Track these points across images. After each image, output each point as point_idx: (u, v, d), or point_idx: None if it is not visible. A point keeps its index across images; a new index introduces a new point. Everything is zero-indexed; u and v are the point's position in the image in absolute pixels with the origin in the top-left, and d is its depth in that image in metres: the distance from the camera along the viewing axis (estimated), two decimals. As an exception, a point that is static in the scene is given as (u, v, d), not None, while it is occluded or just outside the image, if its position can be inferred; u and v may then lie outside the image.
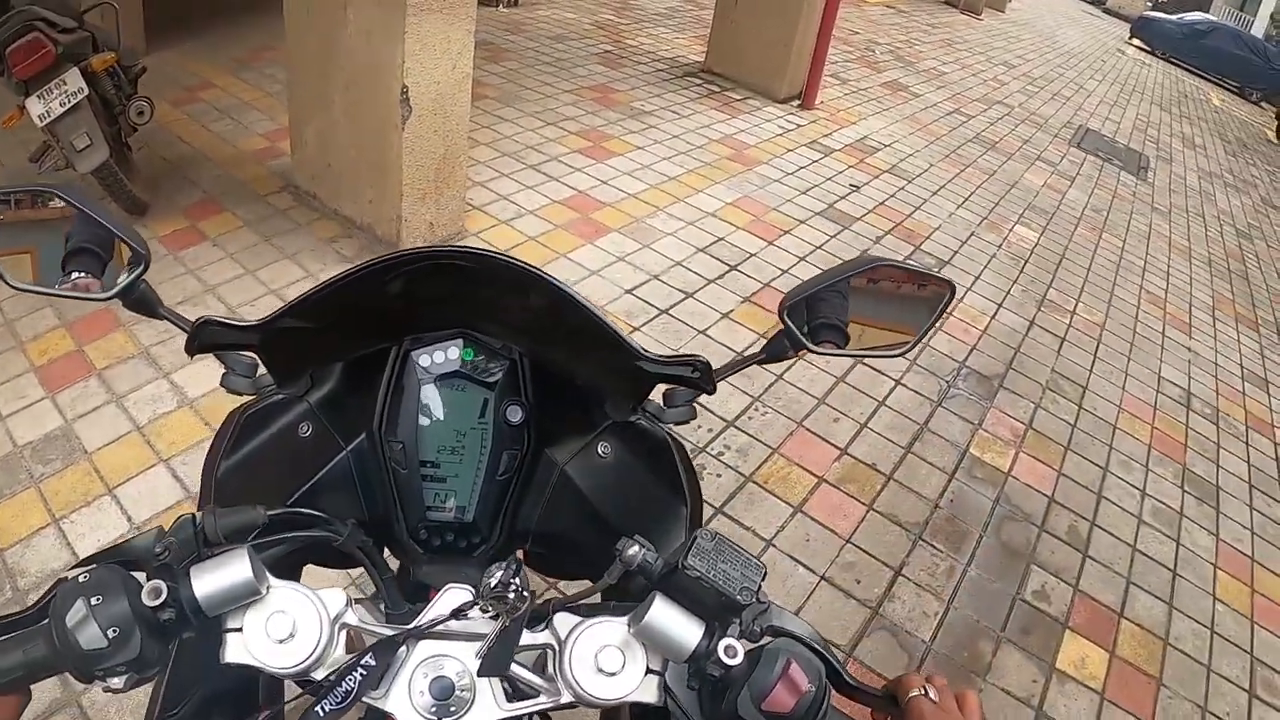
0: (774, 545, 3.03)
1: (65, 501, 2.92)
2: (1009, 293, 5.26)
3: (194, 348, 1.01)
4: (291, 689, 1.08)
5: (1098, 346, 4.98)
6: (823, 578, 2.94)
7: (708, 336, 3.99)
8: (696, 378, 1.04)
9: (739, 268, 4.69)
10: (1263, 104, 20.67)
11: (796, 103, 7.55)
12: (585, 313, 0.98)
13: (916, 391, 4.03)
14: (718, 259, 4.74)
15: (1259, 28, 30.04)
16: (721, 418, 3.52)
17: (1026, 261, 5.77)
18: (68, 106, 4.04)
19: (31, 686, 0.79)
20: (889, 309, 1.10)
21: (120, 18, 4.62)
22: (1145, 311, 5.69)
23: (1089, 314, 5.34)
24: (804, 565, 2.97)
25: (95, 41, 4.36)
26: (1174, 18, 23.15)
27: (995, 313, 4.96)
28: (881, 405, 3.87)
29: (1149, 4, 31.85)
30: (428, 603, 0.89)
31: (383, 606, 1.07)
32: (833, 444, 3.56)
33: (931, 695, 0.85)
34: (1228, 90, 21.12)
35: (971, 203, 6.48)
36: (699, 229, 5.06)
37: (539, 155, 5.63)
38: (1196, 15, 24.10)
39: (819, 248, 5.11)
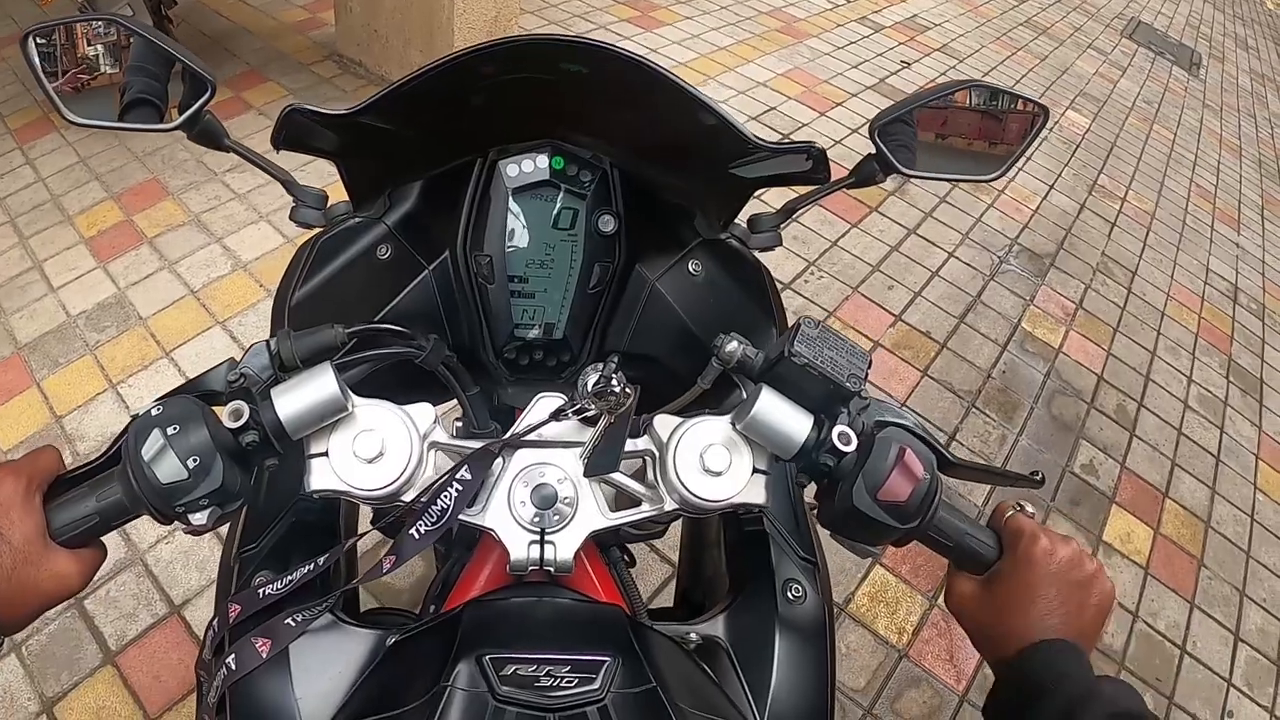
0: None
1: (122, 366, 2.95)
2: (1060, 175, 5.18)
3: (280, 140, 0.93)
4: (365, 522, 1.07)
5: (1147, 234, 4.91)
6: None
7: (763, 201, 3.92)
8: (808, 170, 0.95)
9: (791, 136, 4.62)
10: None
11: (847, -24, 7.33)
12: (691, 100, 0.89)
13: (969, 264, 4.01)
14: (770, 127, 4.69)
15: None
16: (779, 280, 3.50)
17: (1078, 146, 5.67)
18: None
19: (105, 539, 0.76)
20: (979, 132, 1.05)
21: None
22: (1195, 204, 5.60)
23: (1139, 202, 5.26)
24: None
25: None
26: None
27: (1046, 194, 4.89)
28: (935, 275, 3.86)
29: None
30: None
31: (467, 430, 1.07)
32: (887, 310, 3.57)
33: (1029, 509, 0.87)
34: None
35: (1023, 85, 6.30)
36: (750, 98, 5.00)
37: (586, 24, 5.56)
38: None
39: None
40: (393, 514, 0.83)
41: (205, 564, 2.34)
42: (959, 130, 1.04)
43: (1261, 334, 4.51)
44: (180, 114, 0.91)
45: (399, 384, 0.96)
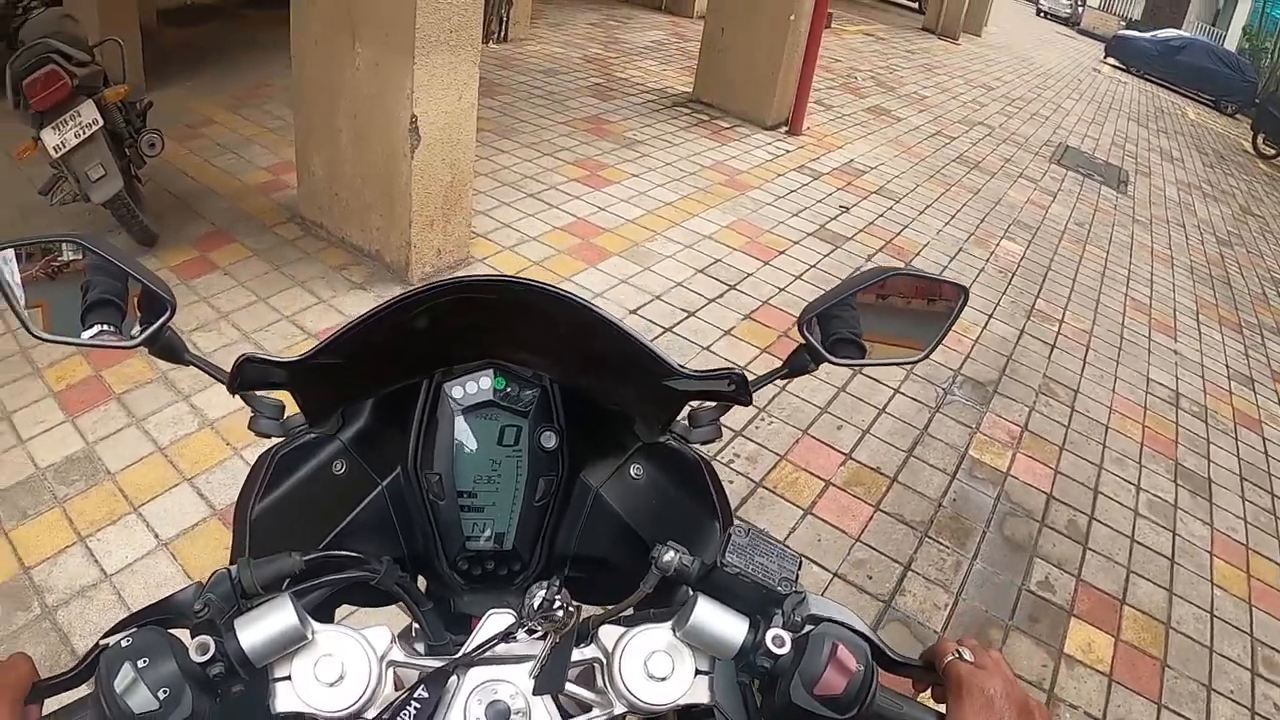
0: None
1: (90, 520, 2.99)
2: (998, 304, 5.42)
3: (235, 387, 1.00)
4: None
5: (1087, 352, 5.12)
6: (835, 574, 3.06)
7: (711, 352, 4.12)
8: (732, 390, 1.01)
9: (738, 287, 4.83)
10: (1238, 115, 20.99)
11: (784, 129, 7.74)
12: (619, 332, 0.98)
13: (914, 399, 4.17)
14: (717, 279, 4.88)
15: (1231, 41, 30.42)
16: (730, 428, 3.64)
17: (1014, 274, 5.93)
18: (83, 138, 4.09)
19: None
20: (903, 317, 1.12)
21: (124, 55, 4.75)
22: (1131, 318, 5.85)
23: (1077, 322, 5.49)
24: (817, 563, 3.10)
25: (106, 76, 4.46)
26: (1148, 35, 23.51)
27: (986, 323, 5.11)
28: (882, 413, 4.00)
29: (1122, 23, 32.27)
30: (469, 634, 0.89)
31: (422, 643, 1.07)
32: (838, 450, 3.69)
33: (966, 656, 0.88)
34: (1203, 104, 21.44)
35: (958, 220, 6.65)
36: (697, 251, 5.21)
37: (538, 184, 5.79)
38: (1170, 32, 24.46)
39: (813, 266, 5.26)
40: None
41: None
42: (883, 316, 1.10)
43: (1206, 435, 4.68)
44: (142, 330, 0.97)
45: (362, 593, 1.03)
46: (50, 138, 4.07)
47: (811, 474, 3.52)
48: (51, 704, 0.80)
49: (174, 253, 4.39)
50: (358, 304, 4.35)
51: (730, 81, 7.77)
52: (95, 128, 4.16)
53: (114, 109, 4.41)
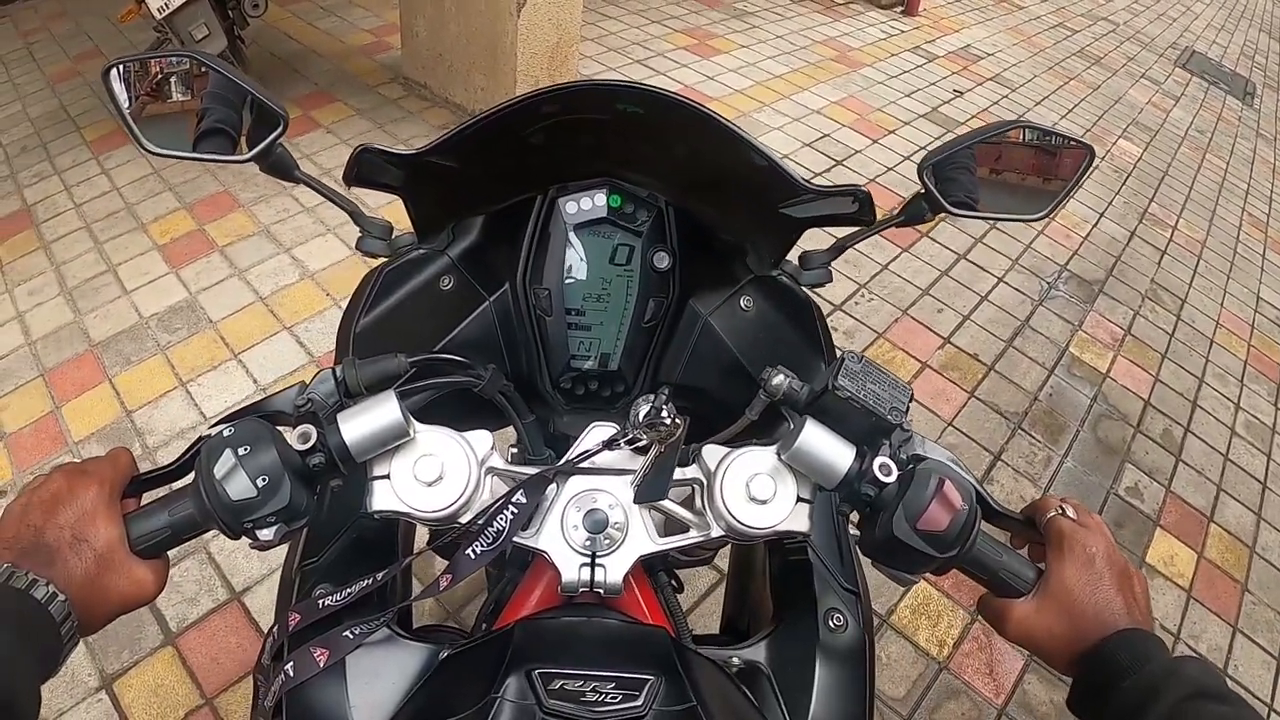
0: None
1: (191, 366, 3.06)
2: (1111, 203, 5.21)
3: (353, 176, 0.98)
4: (421, 542, 1.11)
5: (1198, 262, 4.92)
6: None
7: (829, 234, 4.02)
8: (855, 210, 0.98)
9: (844, 162, 4.73)
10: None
11: (900, 8, 7.46)
12: (746, 145, 0.93)
13: (1018, 290, 4.06)
14: (824, 154, 4.79)
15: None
16: (830, 301, 3.59)
17: (1129, 175, 5.69)
18: None
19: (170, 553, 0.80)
20: (1022, 178, 1.06)
21: None
22: (1247, 234, 5.59)
23: (1190, 230, 5.27)
24: (908, 443, 3.06)
25: None
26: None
27: (1097, 221, 4.93)
28: (984, 300, 3.92)
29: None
30: (566, 453, 0.89)
31: (522, 456, 1.09)
32: (936, 332, 3.64)
33: (1070, 514, 0.87)
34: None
35: (1075, 114, 6.37)
36: (805, 125, 5.10)
37: (645, 51, 5.72)
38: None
39: (923, 147, 5.08)
40: (449, 534, 0.84)
41: (266, 555, 2.43)
42: (1009, 168, 1.06)
43: (1313, 363, 4.52)
44: (252, 146, 0.95)
45: (458, 409, 1.01)
46: None
47: (908, 354, 3.47)
48: (150, 497, 0.81)
49: (277, 112, 4.43)
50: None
51: (848, -46, 7.44)
52: None
53: None
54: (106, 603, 0.74)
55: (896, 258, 3.97)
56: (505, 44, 4.30)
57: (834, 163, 4.70)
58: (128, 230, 3.71)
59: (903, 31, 7.04)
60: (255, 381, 3.01)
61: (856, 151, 4.90)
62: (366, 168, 0.97)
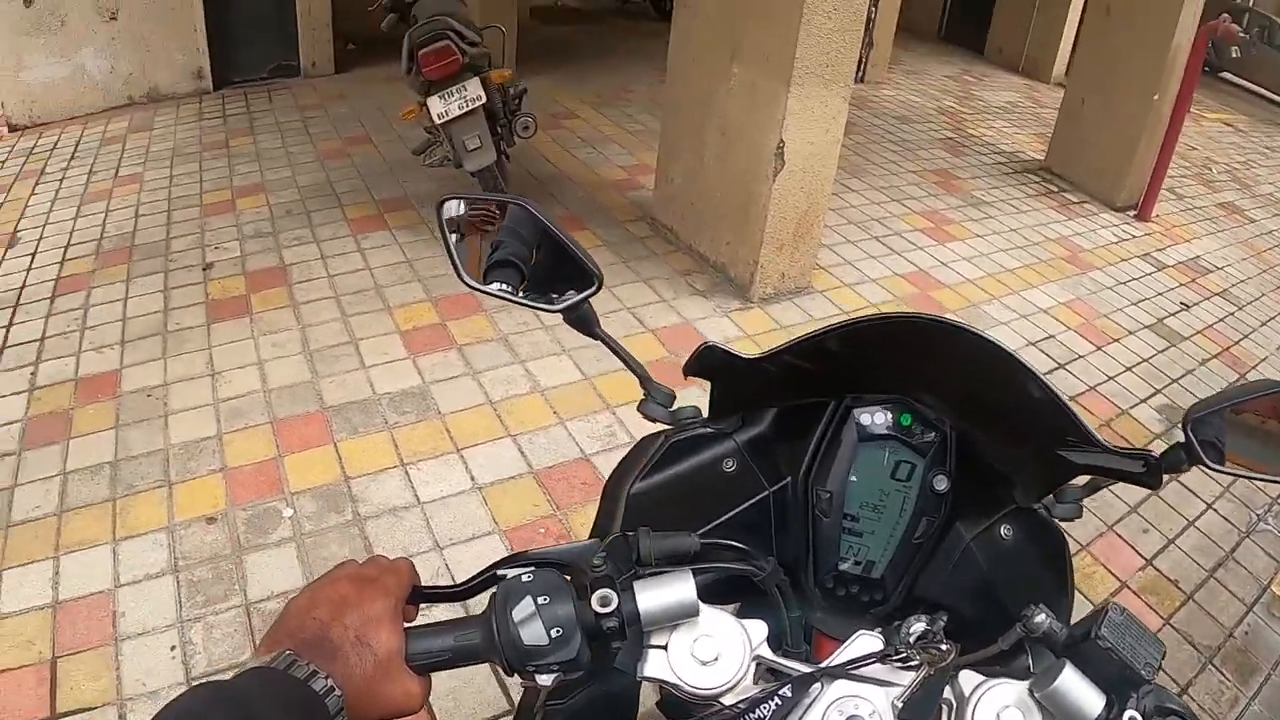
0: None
1: (414, 450, 3.34)
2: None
3: (693, 368, 1.07)
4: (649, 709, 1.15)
5: None
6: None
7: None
8: (1142, 472, 0.99)
9: (1067, 366, 4.88)
10: None
11: (1132, 213, 7.54)
12: (1040, 387, 0.99)
13: (1226, 519, 4.11)
14: (1047, 354, 4.95)
15: None
16: (1037, 508, 3.76)
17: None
18: (465, 110, 4.62)
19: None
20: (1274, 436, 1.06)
21: (505, 42, 5.24)
22: None
23: None
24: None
25: (490, 59, 4.93)
26: None
27: (1315, 454, 4.88)
28: (1191, 525, 3.99)
29: None
30: (816, 649, 0.95)
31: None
32: (1139, 552, 3.74)
33: None
34: None
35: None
36: (1031, 323, 5.28)
37: (882, 229, 6.01)
38: None
39: (1145, 360, 5.19)
40: (701, 711, 0.86)
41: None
42: (1267, 428, 1.05)
43: None
44: (565, 298, 1.07)
45: (721, 583, 1.05)
46: (436, 105, 4.59)
47: (1109, 570, 3.60)
48: (431, 614, 0.88)
49: (530, 234, 4.88)
50: (696, 309, 4.65)
51: (1084, 154, 7.63)
52: (478, 103, 4.65)
53: (495, 89, 4.87)
54: (375, 708, 0.76)
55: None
56: (758, 205, 4.59)
57: (1057, 365, 4.85)
58: (374, 310, 4.05)
59: (1134, 237, 7.12)
60: (473, 479, 3.25)
61: (1079, 356, 5.02)
62: (704, 362, 1.07)
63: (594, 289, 1.07)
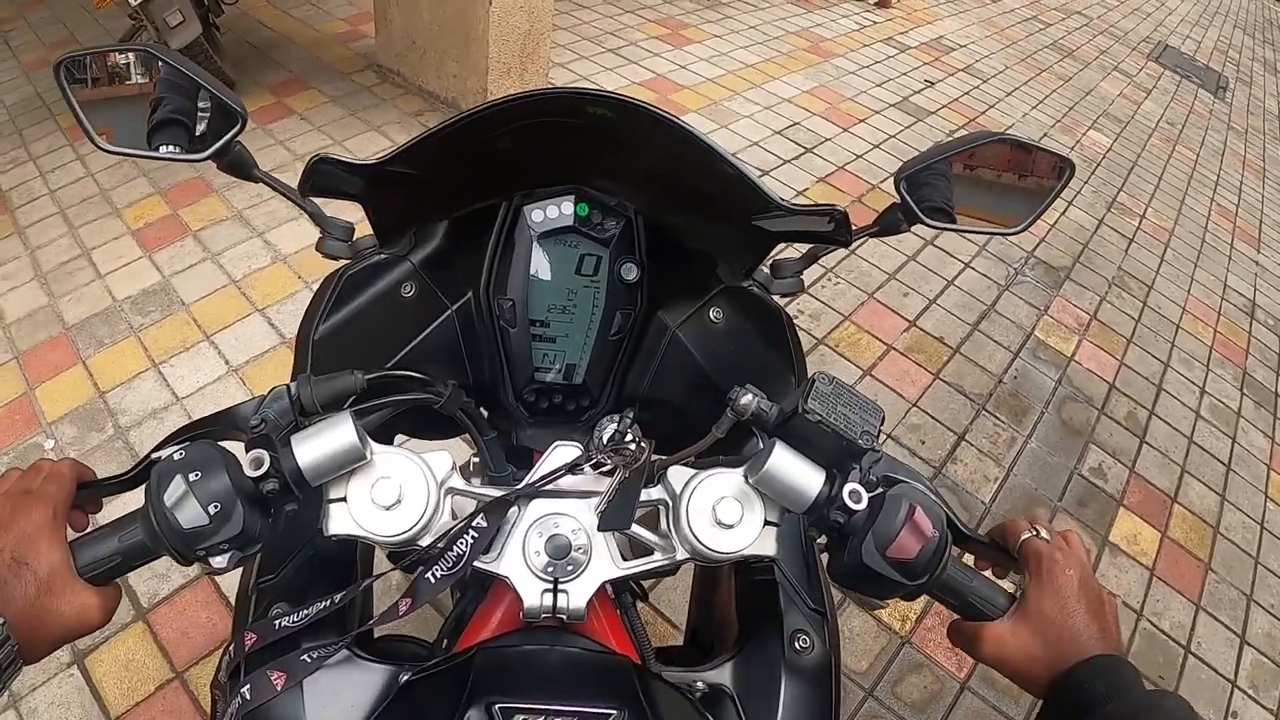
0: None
1: (164, 348, 3.06)
2: (1080, 192, 5.25)
3: (308, 187, 0.95)
4: (383, 561, 1.05)
5: (1165, 250, 4.97)
6: (889, 436, 3.04)
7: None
8: (830, 230, 0.94)
9: (814, 150, 4.76)
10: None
11: (873, 0, 7.49)
12: (719, 159, 0.90)
13: (984, 275, 4.09)
14: (793, 141, 4.82)
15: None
16: (795, 284, 3.61)
17: (1098, 165, 5.75)
18: None
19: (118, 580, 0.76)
20: (998, 188, 1.05)
21: None
22: (1215, 223, 5.65)
23: (1158, 219, 5.32)
24: (872, 423, 3.08)
25: None
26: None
27: (1065, 209, 4.96)
28: (950, 285, 3.95)
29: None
30: (530, 468, 0.86)
31: (481, 477, 1.04)
32: (902, 316, 3.66)
33: (1044, 535, 0.85)
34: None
35: (1045, 105, 6.42)
36: (775, 113, 5.13)
37: (618, 40, 5.75)
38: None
39: (893, 136, 5.13)
40: (410, 555, 0.82)
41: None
42: (988, 179, 1.04)
43: (1279, 349, 4.55)
44: (210, 143, 0.93)
45: (422, 419, 1.00)
46: None
47: (874, 336, 3.50)
48: (107, 515, 0.78)
49: (251, 99, 4.40)
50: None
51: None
52: None
53: None
54: (49, 629, 0.70)
55: (863, 243, 3.96)
56: (478, 31, 4.31)
57: (803, 150, 4.72)
58: (102, 215, 3.70)
59: (876, 23, 7.08)
60: (227, 363, 3.02)
61: (826, 139, 4.92)
62: (323, 177, 0.94)
63: (238, 127, 0.93)
